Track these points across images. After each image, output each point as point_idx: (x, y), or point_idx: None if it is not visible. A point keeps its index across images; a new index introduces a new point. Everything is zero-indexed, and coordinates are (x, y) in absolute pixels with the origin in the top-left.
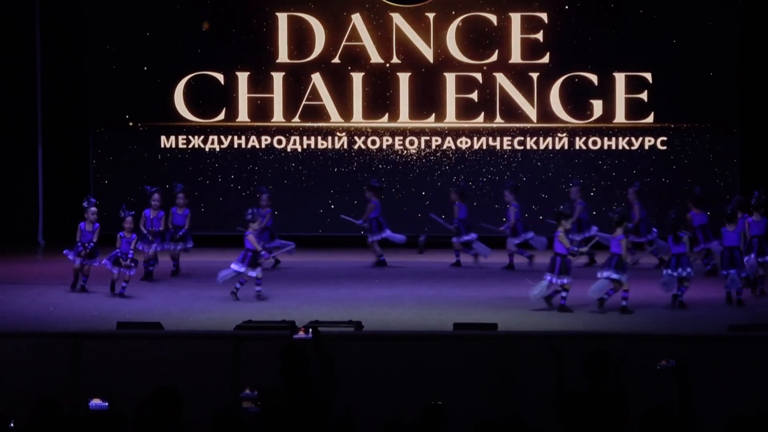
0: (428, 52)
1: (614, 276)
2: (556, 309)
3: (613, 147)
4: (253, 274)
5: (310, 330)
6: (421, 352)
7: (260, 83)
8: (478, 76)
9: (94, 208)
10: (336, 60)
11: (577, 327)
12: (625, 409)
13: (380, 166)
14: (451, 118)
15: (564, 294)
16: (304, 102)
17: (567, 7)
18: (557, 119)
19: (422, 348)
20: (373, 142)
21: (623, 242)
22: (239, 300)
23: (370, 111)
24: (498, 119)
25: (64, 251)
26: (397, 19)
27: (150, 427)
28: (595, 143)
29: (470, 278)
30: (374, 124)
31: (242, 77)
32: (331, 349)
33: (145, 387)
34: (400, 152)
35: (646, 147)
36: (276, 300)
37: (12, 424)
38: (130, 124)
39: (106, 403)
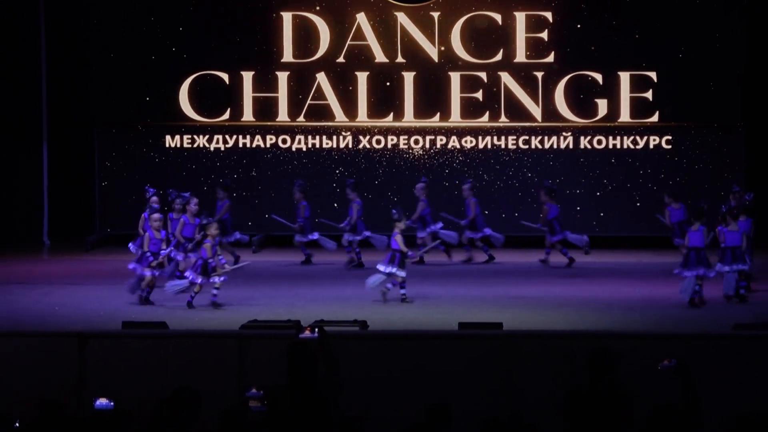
0: (433, 52)
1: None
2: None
3: (618, 146)
4: (402, 274)
5: (316, 329)
6: (426, 351)
7: (265, 83)
8: (483, 75)
9: (157, 215)
10: (341, 59)
11: (582, 326)
12: (630, 408)
13: (385, 166)
14: (456, 118)
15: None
16: (308, 101)
17: (572, 6)
18: (562, 118)
19: (427, 347)
20: (378, 142)
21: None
22: (388, 301)
23: (375, 110)
24: (503, 118)
25: (130, 266)
26: (402, 18)
27: (163, 427)
28: (600, 142)
29: (474, 277)
30: (379, 124)
31: (247, 77)
32: (336, 349)
33: (151, 387)
34: (405, 151)
35: (651, 146)
36: (281, 299)
37: (17, 424)
38: (135, 123)
39: (112, 403)
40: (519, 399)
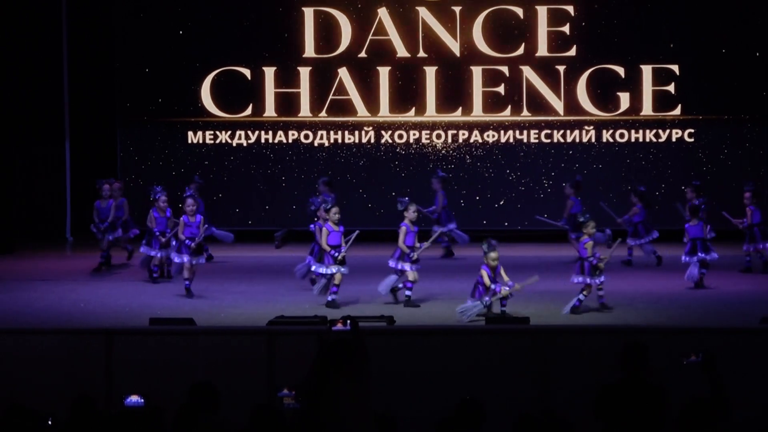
0: (455, 46)
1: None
2: None
3: (641, 139)
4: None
5: (349, 321)
6: (452, 346)
7: (287, 78)
8: (505, 69)
9: (337, 209)
10: (362, 54)
11: (610, 321)
12: (663, 401)
13: (407, 160)
14: (477, 112)
15: None
16: (330, 96)
17: None
18: (584, 112)
19: (454, 342)
20: (400, 136)
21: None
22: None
23: (397, 105)
24: (525, 112)
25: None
26: (423, 12)
27: (188, 423)
28: (622, 136)
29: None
30: (401, 118)
31: (269, 72)
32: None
33: (179, 383)
34: (427, 146)
35: (674, 139)
36: (306, 295)
37: (50, 422)
38: (158, 119)
39: (142, 400)
40: (549, 393)
